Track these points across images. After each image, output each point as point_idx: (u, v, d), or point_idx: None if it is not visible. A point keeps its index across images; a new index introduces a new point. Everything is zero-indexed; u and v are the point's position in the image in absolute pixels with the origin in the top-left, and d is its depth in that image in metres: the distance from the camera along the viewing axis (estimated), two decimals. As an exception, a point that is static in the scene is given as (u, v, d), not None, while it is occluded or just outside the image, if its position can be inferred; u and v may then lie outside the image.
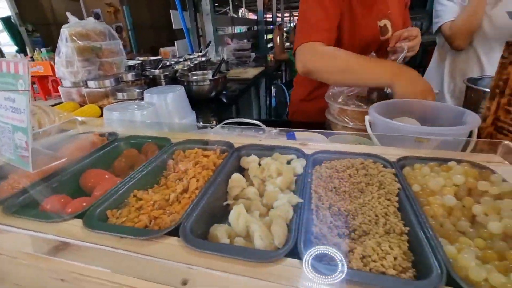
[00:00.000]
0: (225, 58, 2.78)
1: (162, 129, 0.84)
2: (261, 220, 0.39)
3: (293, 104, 1.42)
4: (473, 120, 0.58)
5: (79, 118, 0.80)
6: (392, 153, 0.54)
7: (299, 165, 0.50)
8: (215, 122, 1.42)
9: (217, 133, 0.75)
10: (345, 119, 0.90)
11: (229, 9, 5.35)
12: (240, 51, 2.98)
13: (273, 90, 3.20)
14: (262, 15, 5.07)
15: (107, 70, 1.23)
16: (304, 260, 0.30)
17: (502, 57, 0.53)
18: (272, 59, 3.54)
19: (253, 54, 2.99)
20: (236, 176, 0.50)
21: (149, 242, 0.34)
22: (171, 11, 2.84)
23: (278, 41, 3.45)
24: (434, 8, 1.27)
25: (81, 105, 1.14)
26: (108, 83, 1.13)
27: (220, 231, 0.38)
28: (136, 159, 0.58)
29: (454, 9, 1.16)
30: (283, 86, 3.09)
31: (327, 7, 0.87)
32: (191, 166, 0.52)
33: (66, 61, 1.08)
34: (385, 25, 0.96)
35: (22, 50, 5.16)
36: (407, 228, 0.37)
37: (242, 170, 0.55)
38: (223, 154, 0.58)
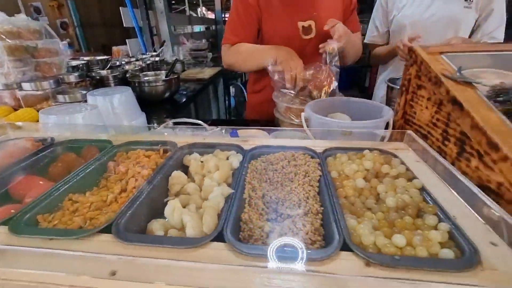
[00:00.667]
0: (181, 58, 2.74)
1: (107, 131, 0.82)
2: (197, 213, 0.42)
3: (248, 102, 1.48)
4: (387, 114, 0.68)
5: (12, 123, 0.75)
6: (322, 145, 0.61)
7: (235, 160, 0.54)
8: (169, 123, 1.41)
9: (167, 133, 0.76)
10: (291, 116, 0.96)
11: (186, 8, 5.23)
12: (197, 51, 2.96)
13: (232, 90, 3.23)
14: (220, 15, 5.05)
15: (46, 71, 1.14)
16: (227, 242, 0.34)
17: (406, 60, 0.63)
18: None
19: (210, 54, 2.98)
20: (176, 173, 0.52)
21: (81, 240, 0.35)
22: (120, 8, 2.71)
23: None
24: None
25: (16, 110, 1.05)
26: (46, 85, 1.06)
27: (155, 225, 0.40)
28: (75, 163, 0.57)
29: (375, 33, 1.33)
30: (242, 86, 3.13)
31: (240, 13, 1.08)
32: (132, 167, 0.53)
33: (-6, 61, 0.99)
34: (309, 25, 1.06)
35: None
36: (322, 208, 0.43)
37: (186, 168, 0.58)
38: (166, 153, 0.60)
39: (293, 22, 1.07)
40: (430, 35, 1.14)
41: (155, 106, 1.62)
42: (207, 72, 2.33)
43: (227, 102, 3.10)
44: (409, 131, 0.59)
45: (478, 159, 0.42)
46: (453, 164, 0.49)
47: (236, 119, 3.22)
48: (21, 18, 1.04)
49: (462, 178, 0.42)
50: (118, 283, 0.30)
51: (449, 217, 0.38)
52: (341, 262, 0.32)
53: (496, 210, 0.35)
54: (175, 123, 0.69)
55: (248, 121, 1.69)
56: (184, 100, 1.74)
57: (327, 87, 0.99)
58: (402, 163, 0.51)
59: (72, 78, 1.21)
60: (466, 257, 0.32)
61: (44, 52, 1.13)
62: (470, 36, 1.19)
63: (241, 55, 1.11)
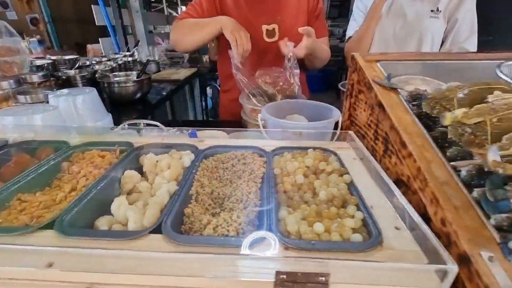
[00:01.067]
0: (156, 58, 2.72)
1: (68, 132, 0.82)
2: (142, 209, 0.45)
3: (220, 102, 1.51)
4: (335, 115, 0.74)
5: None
6: (273, 145, 0.65)
7: (187, 159, 0.57)
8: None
9: (132, 134, 0.78)
10: (256, 118, 1.01)
11: (164, 6, 5.16)
12: (173, 52, 2.94)
13: (209, 91, 3.24)
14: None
15: (6, 70, 1.11)
16: (163, 234, 0.37)
17: (350, 66, 0.69)
18: (208, 60, 3.57)
19: (186, 55, 2.98)
20: (128, 172, 0.54)
21: (23, 236, 0.37)
22: (92, 6, 2.65)
23: (212, 42, 3.49)
24: None
25: (-27, 110, 1.02)
26: (6, 85, 1.03)
27: (101, 221, 0.43)
28: (28, 164, 0.58)
29: (355, 27, 1.30)
30: (218, 87, 3.15)
31: (202, 3, 1.12)
32: (85, 167, 0.54)
33: None
34: (273, 29, 1.11)
35: None
36: (259, 202, 0.47)
37: (142, 167, 0.60)
38: (122, 154, 0.62)
39: (258, 24, 1.11)
40: (397, 44, 1.20)
41: (126, 107, 1.61)
42: (183, 73, 2.33)
43: (204, 103, 3.11)
44: (350, 132, 0.65)
45: (396, 155, 0.47)
46: (380, 160, 0.55)
47: (211, 120, 3.23)
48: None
49: (381, 172, 0.48)
50: (55, 274, 0.32)
51: (366, 207, 0.43)
52: (264, 247, 0.36)
53: (400, 199, 0.41)
54: (129, 125, 0.71)
55: (219, 122, 1.71)
56: (157, 100, 1.74)
57: (288, 90, 1.04)
58: (338, 160, 0.57)
59: (35, 78, 1.19)
60: (371, 240, 0.37)
61: (4, 51, 1.10)
62: (441, 46, 1.21)
63: (184, 29, 1.10)
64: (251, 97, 1.02)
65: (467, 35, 1.16)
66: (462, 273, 0.30)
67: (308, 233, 0.39)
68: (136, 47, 2.50)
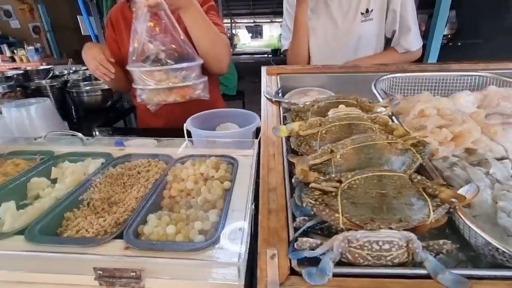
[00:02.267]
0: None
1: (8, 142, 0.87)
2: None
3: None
4: (253, 123, 0.78)
5: None
6: (185, 153, 0.70)
7: (92, 166, 0.62)
8: (104, 130, 1.46)
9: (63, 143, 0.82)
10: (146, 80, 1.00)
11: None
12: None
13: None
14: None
15: (-30, 82, 1.18)
16: (25, 235, 0.42)
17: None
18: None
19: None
20: (35, 179, 0.59)
21: None
22: (78, 16, 2.75)
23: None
24: None
25: None
26: (-34, 96, 1.10)
27: (-14, 224, 0.48)
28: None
29: (288, 37, 1.22)
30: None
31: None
32: (-5, 174, 0.60)
33: None
34: None
35: None
36: (136, 205, 0.51)
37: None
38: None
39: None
40: (333, 50, 1.19)
41: (97, 114, 1.67)
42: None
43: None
44: (256, 140, 0.69)
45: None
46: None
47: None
48: None
49: (251, 177, 0.52)
50: None
51: (227, 211, 0.48)
52: (108, 247, 0.40)
53: (249, 204, 0.45)
54: (55, 135, 0.76)
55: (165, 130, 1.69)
56: (127, 108, 1.81)
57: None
58: (233, 168, 0.61)
59: (-1, 88, 1.26)
60: (204, 241, 0.41)
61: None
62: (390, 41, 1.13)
63: None
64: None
65: (403, 33, 1.06)
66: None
67: (155, 234, 0.43)
68: (119, 56, 2.58)
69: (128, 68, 0.91)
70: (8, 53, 4.84)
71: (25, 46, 5.67)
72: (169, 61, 0.89)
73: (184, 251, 0.39)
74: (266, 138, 0.50)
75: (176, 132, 0.87)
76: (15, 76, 1.51)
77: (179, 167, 0.63)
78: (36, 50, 5.46)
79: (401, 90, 0.65)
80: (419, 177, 0.33)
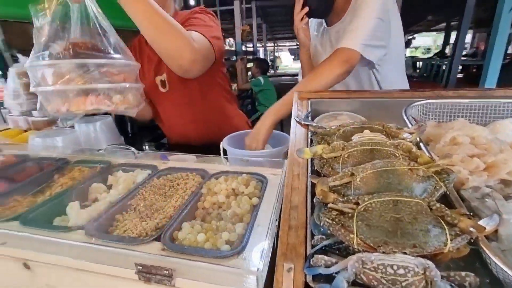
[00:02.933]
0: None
1: (82, 152, 1.03)
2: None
3: None
4: (284, 144, 0.82)
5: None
6: (219, 169, 0.76)
7: (140, 176, 0.71)
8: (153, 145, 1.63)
9: (120, 155, 0.95)
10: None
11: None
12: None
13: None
14: (240, 46, 5.48)
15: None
16: (85, 230, 0.50)
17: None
18: (236, 88, 3.87)
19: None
20: (95, 185, 0.70)
21: (-1, 223, 0.53)
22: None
23: (241, 72, 3.80)
24: None
25: (26, 131, 1.34)
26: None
27: (56, 219, 0.58)
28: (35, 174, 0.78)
29: None
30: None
31: None
32: (63, 179, 0.72)
33: (13, 94, 1.30)
34: (165, 79, 1.13)
35: (4, 75, 5.42)
36: (174, 213, 0.58)
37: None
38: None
39: (152, 77, 1.15)
40: None
41: (147, 130, 1.87)
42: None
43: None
44: (285, 160, 0.73)
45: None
46: (291, 187, 0.61)
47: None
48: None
49: (279, 194, 0.55)
50: (5, 250, 0.48)
51: (252, 225, 0.51)
52: (148, 247, 0.46)
53: (273, 218, 0.48)
54: (113, 148, 0.89)
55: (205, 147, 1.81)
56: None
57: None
58: (262, 185, 0.65)
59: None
60: (229, 251, 0.45)
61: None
62: None
63: None
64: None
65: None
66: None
67: (187, 240, 0.48)
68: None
69: (26, 65, 0.69)
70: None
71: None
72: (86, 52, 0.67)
73: (211, 257, 0.43)
74: (293, 159, 0.53)
75: (209, 148, 0.95)
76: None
77: (213, 181, 0.69)
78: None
79: (436, 117, 0.63)
80: (438, 204, 0.33)
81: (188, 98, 1.18)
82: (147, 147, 1.46)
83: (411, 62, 9.97)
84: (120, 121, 1.81)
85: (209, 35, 0.94)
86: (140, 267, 0.41)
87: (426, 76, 8.69)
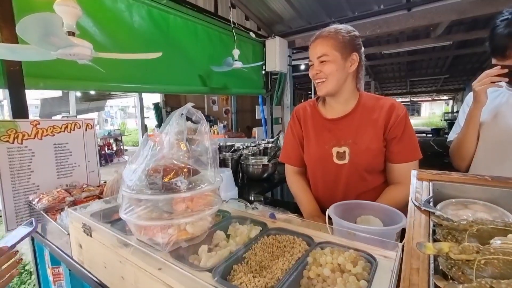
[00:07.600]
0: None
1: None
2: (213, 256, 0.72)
3: None
4: (398, 224, 0.77)
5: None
6: (323, 238, 0.78)
7: (254, 232, 0.81)
8: (259, 198, 1.80)
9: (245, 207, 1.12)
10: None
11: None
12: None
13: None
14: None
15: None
16: (212, 273, 0.61)
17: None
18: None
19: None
20: (218, 232, 0.84)
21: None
22: (256, 106, 3.69)
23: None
24: None
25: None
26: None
27: (191, 257, 0.73)
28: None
29: (457, 130, 1.24)
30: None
31: (289, 138, 1.34)
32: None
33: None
34: (344, 151, 1.15)
35: (160, 125, 7.43)
36: (277, 276, 0.62)
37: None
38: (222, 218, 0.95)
39: (328, 147, 1.19)
40: (501, 157, 1.04)
41: (256, 183, 2.10)
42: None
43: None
44: (400, 243, 0.68)
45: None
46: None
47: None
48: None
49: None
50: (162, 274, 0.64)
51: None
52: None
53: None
54: (232, 200, 1.05)
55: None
56: (276, 181, 2.14)
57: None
58: (371, 267, 0.62)
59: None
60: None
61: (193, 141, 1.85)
62: None
63: (292, 189, 1.36)
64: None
65: None
66: None
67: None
68: (278, 136, 3.17)
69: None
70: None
71: (218, 123, 8.22)
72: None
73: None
74: (411, 248, 0.50)
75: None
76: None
77: (318, 251, 0.71)
78: (224, 126, 7.69)
79: None
80: None
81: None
82: (253, 197, 1.64)
83: None
84: (235, 172, 2.11)
85: None
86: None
87: None
